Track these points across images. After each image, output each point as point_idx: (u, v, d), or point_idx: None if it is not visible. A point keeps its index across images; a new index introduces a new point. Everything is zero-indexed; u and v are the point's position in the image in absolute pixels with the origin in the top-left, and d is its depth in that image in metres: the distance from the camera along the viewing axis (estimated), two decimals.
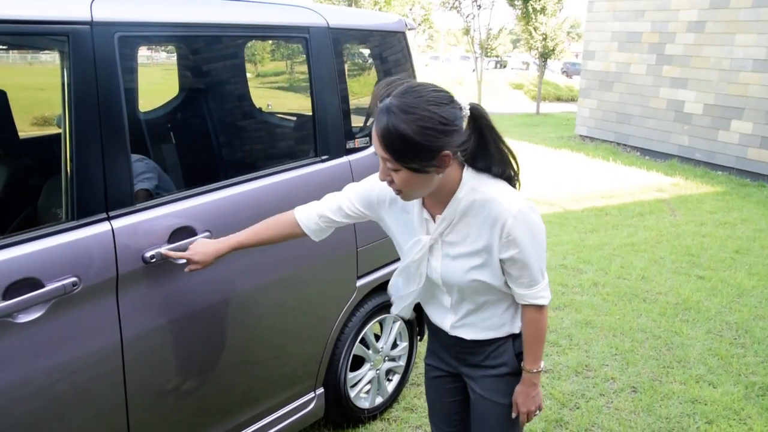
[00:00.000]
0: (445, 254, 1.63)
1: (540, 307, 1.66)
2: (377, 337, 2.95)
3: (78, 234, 1.70)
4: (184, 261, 1.87)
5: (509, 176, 1.59)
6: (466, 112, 1.46)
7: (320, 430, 2.91)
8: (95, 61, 1.71)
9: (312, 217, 1.81)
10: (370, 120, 1.59)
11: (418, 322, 3.11)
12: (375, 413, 2.99)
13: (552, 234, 6.10)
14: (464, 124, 1.47)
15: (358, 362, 2.85)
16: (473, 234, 1.57)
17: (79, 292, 1.68)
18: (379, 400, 3.01)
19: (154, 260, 1.84)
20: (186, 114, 2.97)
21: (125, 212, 1.81)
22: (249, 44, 2.97)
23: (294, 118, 2.95)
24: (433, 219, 1.62)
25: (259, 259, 2.16)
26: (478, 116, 1.48)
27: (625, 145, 11.16)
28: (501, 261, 1.58)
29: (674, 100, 10.00)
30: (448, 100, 1.43)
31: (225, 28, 2.20)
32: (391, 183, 1.50)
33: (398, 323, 2.98)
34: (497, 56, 24.79)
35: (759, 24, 8.62)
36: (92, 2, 1.72)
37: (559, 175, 8.86)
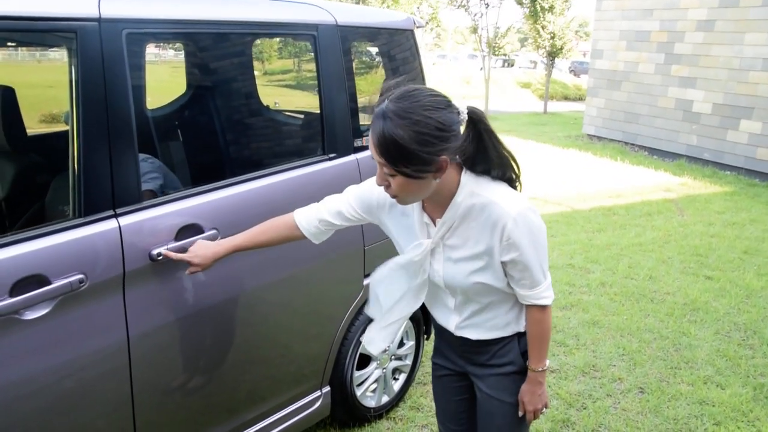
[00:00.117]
0: (447, 258, 1.62)
1: (543, 307, 1.66)
2: None
3: (85, 231, 1.70)
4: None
5: (510, 178, 1.58)
6: (464, 116, 1.45)
7: (326, 429, 2.90)
8: (103, 57, 1.70)
9: (312, 220, 1.80)
10: None
11: (424, 320, 3.10)
12: (381, 412, 2.99)
13: (559, 233, 6.08)
14: (462, 128, 1.46)
15: (364, 361, 2.84)
16: (474, 237, 1.56)
17: (85, 290, 1.68)
18: (385, 398, 3.00)
19: (160, 258, 1.83)
20: (193, 111, 2.97)
21: (132, 209, 1.81)
22: (257, 42, 2.96)
23: (302, 116, 2.94)
24: (434, 223, 1.61)
25: (266, 258, 2.15)
26: (476, 120, 1.47)
27: (633, 144, 11.11)
28: (502, 263, 1.58)
29: (683, 99, 9.94)
30: (445, 104, 1.42)
31: (233, 26, 2.19)
32: (387, 188, 1.49)
33: (405, 322, 2.97)
34: (505, 55, 24.71)
35: None
36: None
37: (566, 175, 8.83)
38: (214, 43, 2.67)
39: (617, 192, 7.83)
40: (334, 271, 2.53)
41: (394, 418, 3.03)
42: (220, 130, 2.82)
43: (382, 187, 1.52)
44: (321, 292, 2.49)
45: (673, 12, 10.00)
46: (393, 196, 1.51)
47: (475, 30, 18.55)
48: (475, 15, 18.05)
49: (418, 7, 20.70)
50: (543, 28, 17.30)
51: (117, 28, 1.74)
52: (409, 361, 3.09)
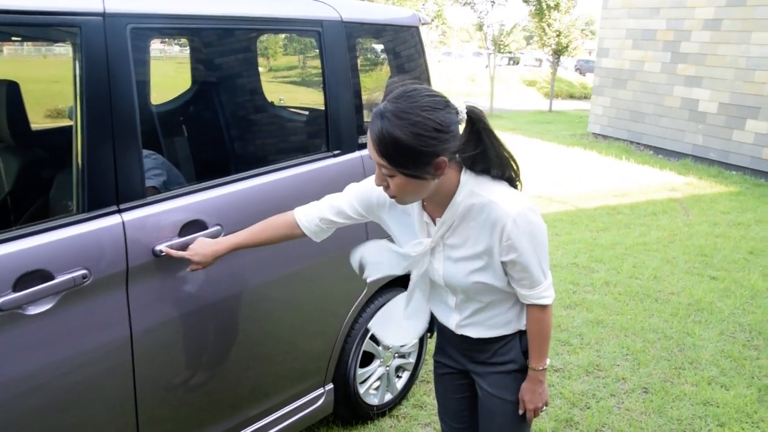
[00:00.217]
0: (447, 257, 1.62)
1: (543, 307, 1.65)
2: None
3: (89, 226, 1.70)
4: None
5: (510, 177, 1.57)
6: (463, 115, 1.44)
7: (329, 426, 2.90)
8: (107, 53, 1.70)
9: (312, 218, 1.80)
10: None
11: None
12: (384, 410, 2.98)
13: (564, 232, 6.07)
14: (461, 128, 1.45)
15: (367, 359, 2.84)
16: (473, 237, 1.56)
17: (89, 285, 1.67)
18: (388, 396, 3.00)
19: (164, 254, 1.83)
20: (198, 107, 2.97)
21: (136, 205, 1.81)
22: (261, 37, 2.95)
23: (306, 113, 2.94)
24: (434, 222, 1.61)
25: (270, 254, 2.15)
26: (475, 119, 1.47)
27: (638, 143, 11.08)
28: (502, 263, 1.57)
29: (688, 98, 9.91)
30: (443, 104, 1.41)
31: (238, 21, 2.19)
32: (386, 188, 1.49)
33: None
34: (510, 53, 24.69)
35: None
36: None
37: (571, 173, 8.81)
38: (219, 38, 2.66)
39: (622, 191, 7.81)
40: (338, 268, 2.52)
41: (397, 416, 3.02)
42: (225, 126, 2.81)
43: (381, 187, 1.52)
44: (324, 290, 2.48)
45: (680, 11, 9.96)
46: (392, 197, 1.51)
47: (480, 27, 18.52)
48: (481, 12, 18.02)
49: (423, 5, 20.67)
50: (549, 26, 17.27)
51: (121, 23, 1.73)
52: (412, 359, 3.08)
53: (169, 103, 2.99)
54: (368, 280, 1.75)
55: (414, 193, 1.48)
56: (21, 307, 1.56)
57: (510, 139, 11.53)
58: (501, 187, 1.54)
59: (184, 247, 1.87)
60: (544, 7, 17.04)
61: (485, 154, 1.50)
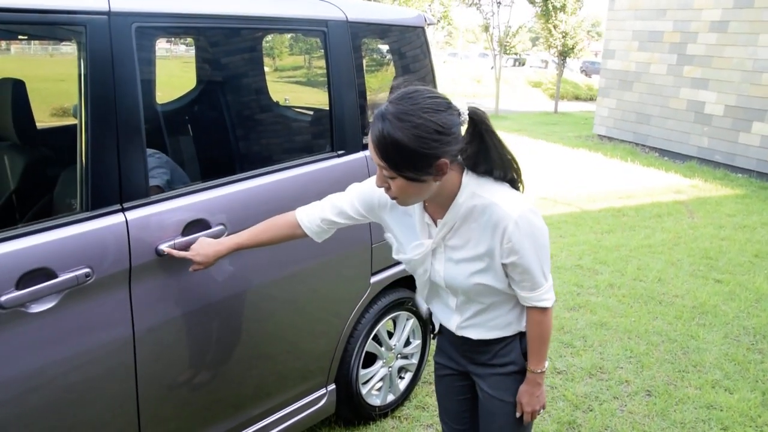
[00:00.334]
0: (448, 258, 1.62)
1: (544, 309, 1.65)
2: (390, 335, 2.93)
3: (92, 225, 1.70)
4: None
5: (511, 179, 1.57)
6: (465, 117, 1.44)
7: (331, 427, 2.90)
8: (112, 51, 1.70)
9: (314, 219, 1.80)
10: None
11: (431, 319, 3.09)
12: (386, 411, 2.98)
13: (568, 234, 6.06)
14: (463, 129, 1.45)
15: (370, 359, 2.83)
16: (475, 238, 1.56)
17: (91, 284, 1.68)
18: (390, 397, 2.99)
19: (167, 253, 1.83)
20: (203, 107, 2.97)
21: (139, 204, 1.81)
22: (267, 37, 2.95)
23: (311, 113, 2.93)
24: (435, 223, 1.61)
25: (273, 254, 2.15)
26: (477, 121, 1.46)
27: (643, 145, 11.05)
28: (503, 265, 1.57)
29: (695, 100, 9.88)
30: (445, 106, 1.40)
31: (243, 20, 2.19)
32: (387, 190, 1.49)
33: (412, 321, 2.97)
34: (516, 54, 24.64)
35: None
36: None
37: (576, 175, 8.79)
38: (224, 38, 2.66)
39: (627, 193, 7.79)
40: (342, 268, 2.52)
41: (399, 417, 3.02)
42: (230, 125, 2.81)
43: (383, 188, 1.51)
44: (328, 290, 2.48)
45: (687, 12, 9.93)
46: (393, 198, 1.51)
47: (486, 29, 18.49)
48: (487, 13, 18.00)
49: (429, 5, 20.65)
50: (555, 27, 17.23)
51: (126, 22, 1.73)
52: (415, 360, 3.08)
53: (174, 103, 2.99)
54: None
55: (415, 195, 1.48)
56: (24, 305, 1.56)
57: (515, 141, 11.52)
58: (503, 189, 1.54)
59: (186, 246, 1.87)
60: (551, 8, 17.00)
61: (487, 156, 1.50)
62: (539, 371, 1.71)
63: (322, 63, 2.42)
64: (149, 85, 2.59)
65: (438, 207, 1.58)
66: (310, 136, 2.91)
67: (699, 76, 9.76)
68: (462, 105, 1.44)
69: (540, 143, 11.52)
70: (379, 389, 2.93)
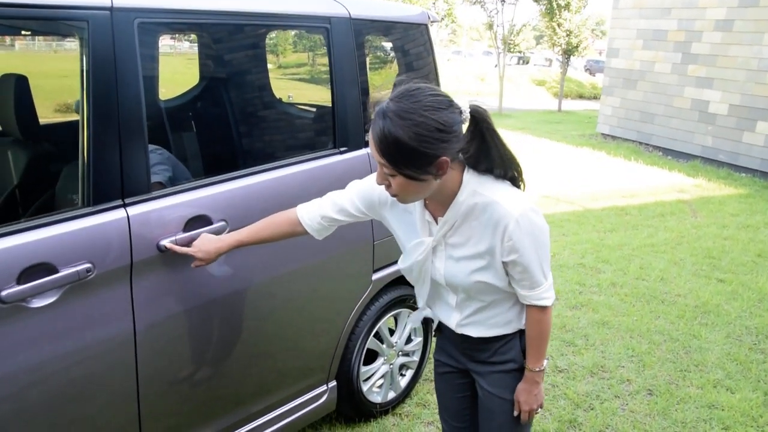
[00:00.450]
0: (449, 256, 1.62)
1: (543, 308, 1.65)
2: (391, 332, 2.93)
3: (93, 220, 1.70)
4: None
5: (512, 177, 1.57)
6: (466, 115, 1.44)
7: (332, 424, 2.90)
8: (114, 47, 1.70)
9: (314, 216, 1.80)
10: None
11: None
12: (387, 408, 2.98)
13: (571, 232, 6.05)
14: (464, 127, 1.45)
15: (371, 356, 2.83)
16: (476, 236, 1.56)
17: (93, 279, 1.68)
18: (391, 394, 2.99)
19: (168, 249, 1.83)
20: (206, 103, 2.97)
21: (141, 200, 1.81)
22: (270, 34, 2.95)
23: (314, 110, 2.93)
24: (435, 221, 1.60)
25: (275, 251, 2.15)
26: (478, 119, 1.46)
27: (647, 144, 11.03)
28: (503, 263, 1.57)
29: (699, 99, 9.85)
30: (446, 104, 1.40)
31: (246, 17, 2.18)
32: (388, 187, 1.49)
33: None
34: (520, 52, 24.62)
35: None
36: None
37: (579, 174, 8.78)
38: (227, 34, 2.66)
39: (630, 192, 7.77)
40: (343, 266, 2.52)
41: (400, 414, 3.02)
42: (232, 122, 2.81)
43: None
44: (329, 287, 2.48)
45: (692, 11, 9.90)
46: (393, 195, 1.50)
47: (490, 27, 18.46)
48: (491, 11, 17.96)
49: (433, 3, 20.63)
50: (559, 25, 17.20)
51: (129, 18, 1.73)
52: (416, 358, 3.08)
53: (176, 99, 2.99)
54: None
55: (416, 193, 1.48)
56: (25, 300, 1.57)
57: (518, 139, 11.51)
58: (504, 187, 1.53)
59: (188, 242, 1.87)
60: (555, 6, 16.97)
61: (488, 154, 1.50)
62: (538, 370, 1.71)
63: (325, 60, 2.42)
64: (152, 81, 2.60)
65: (439, 205, 1.58)
66: (312, 133, 2.91)
67: (703, 75, 9.74)
68: (463, 103, 1.44)
69: (543, 142, 11.50)
70: (380, 386, 2.93)
